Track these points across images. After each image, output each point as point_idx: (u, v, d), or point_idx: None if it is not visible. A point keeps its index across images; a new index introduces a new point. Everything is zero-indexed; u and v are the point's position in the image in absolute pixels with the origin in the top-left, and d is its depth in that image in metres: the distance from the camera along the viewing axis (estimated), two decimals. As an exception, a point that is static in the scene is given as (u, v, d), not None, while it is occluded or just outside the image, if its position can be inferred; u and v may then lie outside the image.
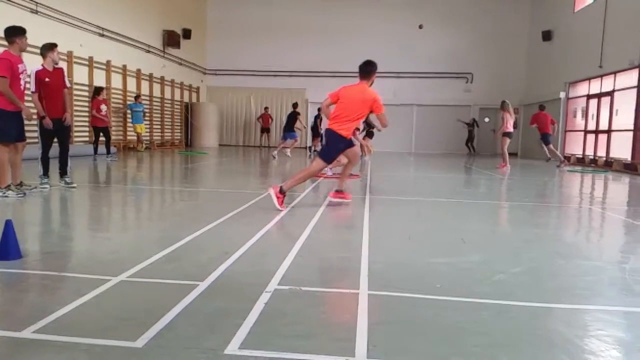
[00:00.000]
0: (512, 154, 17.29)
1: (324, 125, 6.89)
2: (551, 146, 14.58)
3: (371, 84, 5.70)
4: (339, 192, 5.90)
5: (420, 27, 20.58)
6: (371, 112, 5.74)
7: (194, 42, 21.65)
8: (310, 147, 18.83)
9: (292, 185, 5.68)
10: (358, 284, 2.89)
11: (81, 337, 2.08)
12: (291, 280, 2.92)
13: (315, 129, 18.77)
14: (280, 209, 5.31)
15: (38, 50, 6.60)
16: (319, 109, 18.93)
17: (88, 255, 3.49)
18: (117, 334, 2.11)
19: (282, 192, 5.41)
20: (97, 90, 12.54)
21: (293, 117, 16.59)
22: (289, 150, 16.38)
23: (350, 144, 5.77)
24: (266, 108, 22.78)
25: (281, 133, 16.67)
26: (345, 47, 22.80)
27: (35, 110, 6.41)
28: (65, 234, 4.33)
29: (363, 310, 2.46)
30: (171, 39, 19.44)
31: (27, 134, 6.28)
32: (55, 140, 6.77)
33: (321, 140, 18.47)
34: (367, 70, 5.65)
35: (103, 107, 12.22)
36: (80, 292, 2.59)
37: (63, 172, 6.81)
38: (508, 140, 12.99)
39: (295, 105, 17.35)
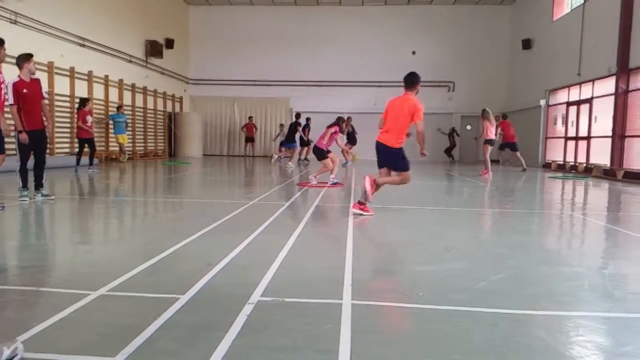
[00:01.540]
0: (495, 162, 17.48)
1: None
2: (518, 154, 15.42)
3: (416, 93, 6.02)
4: (362, 204, 5.90)
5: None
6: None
7: (177, 51, 21.56)
8: (306, 158, 18.71)
9: (383, 182, 6.12)
10: (341, 294, 2.88)
11: (59, 353, 2.04)
12: (274, 291, 2.90)
13: (302, 138, 18.80)
14: (369, 195, 5.83)
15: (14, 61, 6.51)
16: (307, 119, 18.98)
17: (68, 269, 3.44)
18: (96, 350, 2.08)
19: (375, 182, 5.91)
20: (83, 102, 12.41)
21: (294, 126, 16.56)
22: (290, 160, 16.33)
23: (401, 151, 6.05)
24: (250, 117, 22.72)
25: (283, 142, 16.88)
26: (329, 57, 22.98)
27: (12, 122, 6.31)
28: (45, 247, 4.26)
29: (346, 321, 2.46)
30: (153, 49, 19.31)
31: (5, 146, 6.17)
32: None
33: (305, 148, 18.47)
34: (411, 81, 6.00)
35: (89, 118, 12.14)
36: (58, 307, 2.54)
37: (39, 185, 6.69)
38: (490, 148, 13.21)
39: (297, 115, 17.31)
